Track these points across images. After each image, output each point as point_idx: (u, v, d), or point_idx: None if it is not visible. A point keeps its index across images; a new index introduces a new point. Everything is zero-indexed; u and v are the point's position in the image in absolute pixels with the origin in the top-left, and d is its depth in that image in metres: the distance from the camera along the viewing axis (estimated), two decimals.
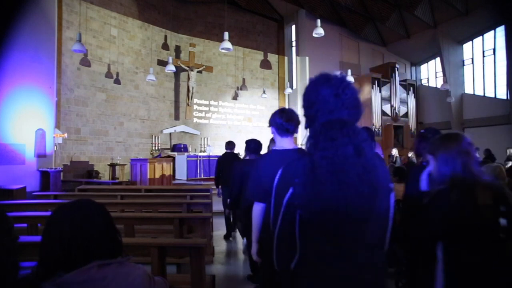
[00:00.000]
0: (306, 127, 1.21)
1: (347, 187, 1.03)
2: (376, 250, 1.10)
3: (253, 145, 3.53)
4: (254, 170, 1.80)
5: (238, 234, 5.24)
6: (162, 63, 12.49)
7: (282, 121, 1.90)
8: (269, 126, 2.02)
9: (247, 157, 3.73)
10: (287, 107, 14.96)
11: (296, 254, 1.12)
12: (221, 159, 5.00)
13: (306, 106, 1.20)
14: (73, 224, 1.03)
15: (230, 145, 5.09)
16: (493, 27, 13.50)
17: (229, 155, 4.98)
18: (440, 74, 15.41)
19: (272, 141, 2.72)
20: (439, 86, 14.62)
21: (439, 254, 1.44)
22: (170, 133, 12.97)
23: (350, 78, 12.44)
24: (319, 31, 9.11)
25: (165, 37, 13.01)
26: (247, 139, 3.70)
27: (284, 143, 1.89)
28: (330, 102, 1.13)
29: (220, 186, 4.97)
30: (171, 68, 11.28)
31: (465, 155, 1.47)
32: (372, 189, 1.06)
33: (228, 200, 3.82)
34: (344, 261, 1.07)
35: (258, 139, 3.67)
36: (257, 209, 1.68)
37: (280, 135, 1.94)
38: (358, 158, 1.06)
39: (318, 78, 1.19)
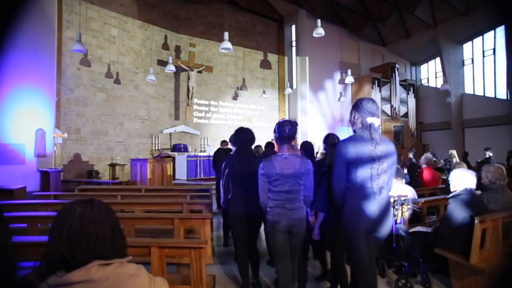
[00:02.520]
0: (234, 148, 3.32)
1: (244, 167, 2.99)
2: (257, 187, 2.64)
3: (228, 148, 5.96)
4: (219, 163, 3.43)
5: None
6: (162, 63, 12.49)
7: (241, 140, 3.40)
8: (230, 142, 3.79)
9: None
10: (287, 107, 14.99)
11: (230, 192, 3.07)
12: (215, 154, 6.54)
13: (232, 140, 3.44)
14: (82, 221, 1.04)
15: (222, 143, 6.74)
16: (493, 27, 13.50)
17: (221, 150, 6.45)
18: (440, 74, 15.42)
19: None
20: (439, 86, 14.63)
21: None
22: (170, 133, 12.97)
23: (350, 78, 12.45)
24: (319, 31, 9.10)
25: (165, 37, 13.01)
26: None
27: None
28: (242, 140, 3.10)
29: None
30: (171, 68, 11.27)
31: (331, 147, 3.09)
32: (253, 168, 2.77)
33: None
34: (247, 191, 2.93)
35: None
36: (220, 183, 3.26)
37: (235, 147, 3.35)
38: (248, 159, 3.04)
39: (238, 129, 3.17)
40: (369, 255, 2.20)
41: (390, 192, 2.29)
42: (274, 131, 2.61)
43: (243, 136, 3.09)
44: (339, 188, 2.25)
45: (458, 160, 8.78)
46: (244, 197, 2.97)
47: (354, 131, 2.30)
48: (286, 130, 2.51)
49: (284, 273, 2.54)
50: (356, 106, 2.29)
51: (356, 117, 2.28)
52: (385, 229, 2.27)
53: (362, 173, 2.17)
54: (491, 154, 9.14)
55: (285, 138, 2.53)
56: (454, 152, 9.55)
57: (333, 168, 2.29)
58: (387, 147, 2.22)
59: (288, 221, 2.48)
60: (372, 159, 2.16)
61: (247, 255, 3.11)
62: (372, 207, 2.16)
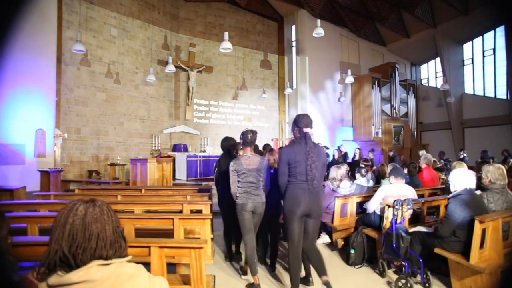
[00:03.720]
0: (224, 153, 4.33)
1: (228, 166, 3.51)
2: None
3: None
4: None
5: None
6: (162, 63, 12.49)
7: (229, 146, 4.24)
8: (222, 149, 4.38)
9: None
10: (287, 107, 14.99)
11: (220, 183, 4.13)
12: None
13: (221, 146, 4.33)
14: (84, 221, 1.04)
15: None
16: (493, 27, 13.50)
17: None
18: (440, 74, 15.41)
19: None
20: (439, 86, 14.62)
21: None
22: (170, 133, 12.97)
23: (350, 78, 12.45)
24: (319, 31, 9.09)
25: (165, 37, 13.01)
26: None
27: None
28: (227, 145, 4.25)
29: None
30: (171, 68, 11.27)
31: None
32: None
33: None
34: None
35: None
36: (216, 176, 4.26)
37: (222, 151, 4.32)
38: (231, 160, 3.58)
39: (223, 138, 4.33)
40: (299, 233, 3.02)
41: (321, 183, 3.12)
42: (240, 138, 3.54)
43: (227, 143, 4.24)
44: (282, 181, 3.04)
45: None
46: (229, 188, 3.62)
47: (295, 138, 3.06)
48: (248, 137, 3.44)
49: (250, 241, 3.44)
50: (296, 120, 3.06)
51: (296, 129, 3.05)
52: (318, 210, 3.06)
53: (299, 170, 2.91)
54: (465, 155, 9.19)
55: (248, 143, 3.47)
56: (423, 151, 10.07)
57: (279, 167, 3.10)
58: (318, 150, 3.01)
59: (253, 203, 3.39)
60: (307, 159, 2.88)
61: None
62: (306, 195, 2.92)
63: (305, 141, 2.95)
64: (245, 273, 3.65)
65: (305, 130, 2.97)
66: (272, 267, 3.85)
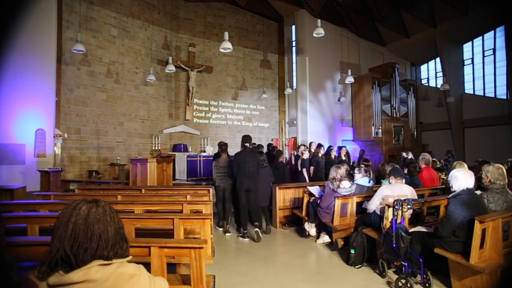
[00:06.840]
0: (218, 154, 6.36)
1: (221, 163, 5.95)
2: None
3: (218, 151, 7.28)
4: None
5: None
6: (162, 63, 12.50)
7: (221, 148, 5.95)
8: (219, 150, 5.93)
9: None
10: (287, 107, 14.99)
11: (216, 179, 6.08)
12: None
13: (220, 147, 6.04)
14: (87, 221, 1.04)
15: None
16: (493, 27, 13.50)
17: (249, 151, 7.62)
18: (440, 74, 15.41)
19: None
20: (439, 86, 14.62)
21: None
22: (170, 133, 12.97)
23: (350, 78, 12.44)
24: (319, 31, 9.09)
25: (165, 37, 13.01)
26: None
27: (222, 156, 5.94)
28: (220, 149, 6.09)
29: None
30: (171, 68, 11.27)
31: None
32: (226, 164, 5.96)
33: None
34: (224, 174, 5.81)
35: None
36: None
37: (221, 152, 5.88)
38: (222, 159, 6.00)
39: (218, 144, 6.15)
40: (245, 200, 5.25)
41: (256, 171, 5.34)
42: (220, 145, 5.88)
43: (220, 147, 5.91)
44: (234, 172, 5.32)
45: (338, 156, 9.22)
46: (222, 176, 5.77)
47: (244, 149, 5.35)
48: (222, 146, 5.79)
49: (220, 206, 5.76)
50: (242, 139, 5.42)
51: (242, 144, 5.42)
52: (255, 187, 5.26)
53: (242, 166, 5.20)
54: (410, 156, 9.04)
55: (223, 150, 5.76)
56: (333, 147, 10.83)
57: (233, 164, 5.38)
58: (254, 155, 5.41)
59: (224, 185, 5.66)
60: (245, 161, 5.20)
61: (222, 205, 5.76)
62: (246, 179, 5.20)
63: (245, 150, 5.31)
64: (227, 232, 5.57)
65: (245, 144, 5.34)
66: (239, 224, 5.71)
